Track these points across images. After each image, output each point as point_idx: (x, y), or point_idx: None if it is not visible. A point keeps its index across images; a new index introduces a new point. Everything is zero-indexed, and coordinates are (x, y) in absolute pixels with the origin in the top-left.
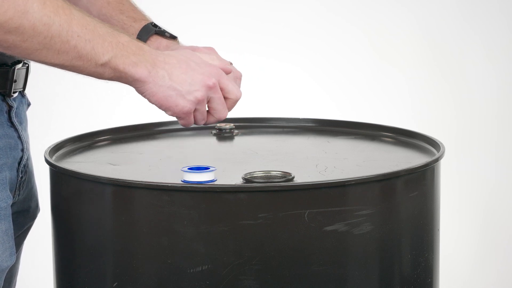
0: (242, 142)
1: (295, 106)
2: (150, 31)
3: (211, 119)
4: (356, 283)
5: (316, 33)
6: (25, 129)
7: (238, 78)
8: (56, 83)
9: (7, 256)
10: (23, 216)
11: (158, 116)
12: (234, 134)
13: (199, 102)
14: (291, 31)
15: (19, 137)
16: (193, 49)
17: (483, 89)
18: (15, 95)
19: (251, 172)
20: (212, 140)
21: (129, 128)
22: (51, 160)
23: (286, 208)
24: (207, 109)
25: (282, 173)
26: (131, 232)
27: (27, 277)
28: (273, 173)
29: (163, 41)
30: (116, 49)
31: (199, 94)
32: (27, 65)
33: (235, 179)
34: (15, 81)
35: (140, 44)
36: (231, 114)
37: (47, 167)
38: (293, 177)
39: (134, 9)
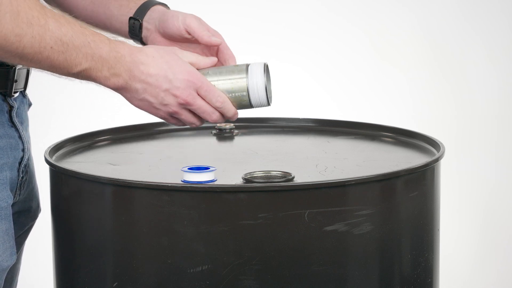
0: (242, 142)
1: (295, 106)
2: (149, 5)
3: (211, 119)
4: (356, 283)
5: (317, 33)
6: (26, 129)
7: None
8: (56, 83)
9: (8, 255)
10: (24, 216)
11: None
12: (234, 134)
13: (172, 113)
14: (292, 31)
15: (20, 137)
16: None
17: (483, 89)
18: (16, 95)
19: (251, 172)
20: (212, 140)
21: (129, 128)
22: (51, 160)
23: (286, 208)
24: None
25: (282, 173)
26: (131, 232)
27: (28, 277)
28: (273, 173)
29: (159, 7)
30: (92, 61)
31: (171, 108)
32: None
33: (235, 179)
34: (16, 81)
35: (121, 53)
36: None
37: (47, 167)
38: (293, 177)
39: None
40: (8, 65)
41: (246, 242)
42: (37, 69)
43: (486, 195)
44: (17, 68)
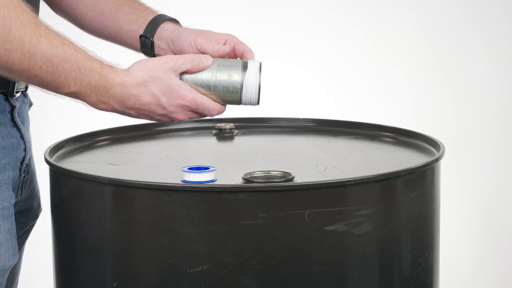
0: (242, 142)
1: (295, 106)
2: (164, 17)
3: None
4: (356, 283)
5: (316, 33)
6: (28, 129)
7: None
8: None
9: (10, 255)
10: (25, 216)
11: None
12: (234, 134)
13: (165, 123)
14: (292, 31)
15: (22, 136)
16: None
17: (483, 89)
18: (18, 95)
19: (251, 172)
20: (212, 140)
21: (129, 128)
22: (51, 160)
23: (286, 208)
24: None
25: (282, 173)
26: (131, 232)
27: (28, 277)
28: (273, 173)
29: (169, 25)
30: (81, 86)
31: (167, 121)
32: None
33: (235, 179)
34: (18, 81)
35: (111, 84)
36: (231, 114)
37: (47, 167)
38: (293, 177)
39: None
40: None
41: (246, 242)
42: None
43: (486, 195)
44: None
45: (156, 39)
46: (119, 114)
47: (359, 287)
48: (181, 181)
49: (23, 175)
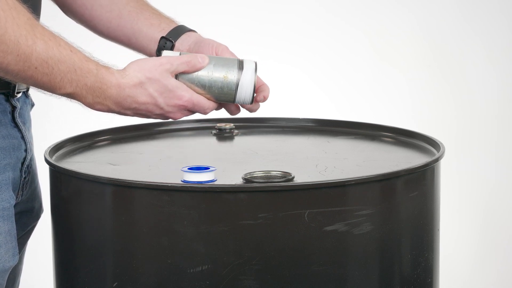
0: (242, 142)
1: (295, 106)
2: (186, 28)
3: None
4: (356, 283)
5: (315, 34)
6: (29, 130)
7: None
8: None
9: (10, 256)
10: (26, 217)
11: None
12: (234, 134)
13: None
14: (291, 32)
15: (23, 137)
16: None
17: (483, 89)
18: (19, 95)
19: (251, 172)
20: (212, 140)
21: (129, 128)
22: (51, 160)
23: (286, 208)
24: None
25: (282, 173)
26: (131, 232)
27: (28, 277)
28: (273, 173)
29: (195, 33)
30: (77, 88)
31: (164, 119)
32: None
33: (235, 179)
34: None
35: (107, 85)
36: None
37: (47, 167)
38: (293, 177)
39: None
40: None
41: (246, 242)
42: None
43: (486, 195)
44: None
45: (178, 43)
46: (115, 114)
47: (359, 287)
48: (181, 181)
49: (23, 176)
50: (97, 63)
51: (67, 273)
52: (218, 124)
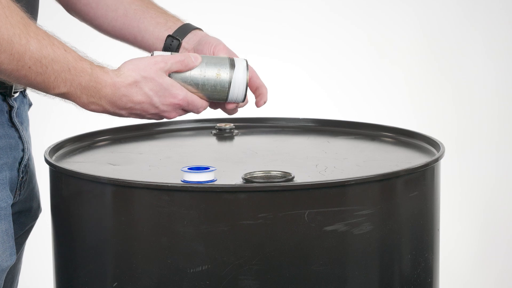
0: (242, 142)
1: (295, 106)
2: (190, 28)
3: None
4: (356, 283)
5: (316, 33)
6: (26, 129)
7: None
8: None
9: (7, 256)
10: (24, 216)
11: None
12: (234, 134)
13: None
14: (292, 30)
15: (20, 137)
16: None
17: (483, 89)
18: (16, 95)
19: (251, 172)
20: (212, 140)
21: (129, 128)
22: (51, 160)
23: (286, 208)
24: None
25: (282, 173)
26: (131, 232)
27: (28, 277)
28: (273, 173)
29: (200, 31)
30: (71, 87)
31: (158, 119)
32: None
33: (235, 179)
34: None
35: (102, 84)
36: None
37: (47, 167)
38: (293, 177)
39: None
40: None
41: (246, 242)
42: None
43: (486, 195)
44: None
45: (185, 42)
46: (109, 115)
47: (359, 287)
48: (181, 181)
49: (21, 176)
50: (91, 63)
51: (67, 273)
52: (218, 124)
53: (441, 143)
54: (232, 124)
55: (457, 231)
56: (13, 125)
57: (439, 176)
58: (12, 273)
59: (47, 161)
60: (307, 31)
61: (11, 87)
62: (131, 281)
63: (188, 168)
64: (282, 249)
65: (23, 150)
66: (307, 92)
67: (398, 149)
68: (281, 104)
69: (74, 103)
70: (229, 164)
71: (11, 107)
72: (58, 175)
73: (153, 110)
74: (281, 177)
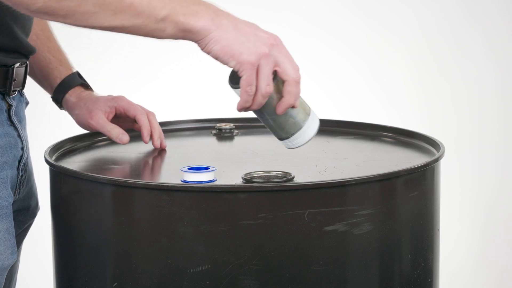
0: (242, 142)
1: None
2: (76, 81)
3: (286, 102)
4: (356, 283)
5: (315, 33)
6: (25, 128)
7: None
8: None
9: (9, 254)
10: (23, 215)
11: (158, 116)
12: (234, 134)
13: (264, 56)
14: (291, 31)
15: (19, 135)
16: None
17: (483, 89)
18: (14, 94)
19: (251, 172)
20: (212, 140)
21: (129, 128)
22: (51, 160)
23: (286, 208)
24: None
25: (282, 173)
26: (131, 232)
27: (28, 277)
28: (273, 173)
29: (85, 92)
30: (174, 2)
31: (264, 49)
32: (25, 64)
33: (235, 179)
34: (15, 80)
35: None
36: (231, 114)
37: (47, 167)
38: (293, 177)
39: (60, 50)
40: (6, 64)
41: (246, 242)
42: (123, 32)
43: (486, 195)
44: (15, 67)
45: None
46: (211, 32)
47: (359, 287)
48: (181, 181)
49: (20, 174)
50: None
51: (67, 273)
52: (218, 124)
53: (441, 143)
54: (232, 124)
55: (457, 231)
56: (12, 123)
57: (439, 176)
58: (11, 272)
59: (47, 161)
60: (306, 31)
61: (10, 85)
62: (131, 281)
63: (188, 168)
64: (282, 249)
65: (22, 148)
66: (307, 92)
67: (398, 149)
68: None
69: (180, 21)
70: (229, 164)
71: (10, 106)
72: (58, 175)
73: (254, 31)
74: (281, 177)
